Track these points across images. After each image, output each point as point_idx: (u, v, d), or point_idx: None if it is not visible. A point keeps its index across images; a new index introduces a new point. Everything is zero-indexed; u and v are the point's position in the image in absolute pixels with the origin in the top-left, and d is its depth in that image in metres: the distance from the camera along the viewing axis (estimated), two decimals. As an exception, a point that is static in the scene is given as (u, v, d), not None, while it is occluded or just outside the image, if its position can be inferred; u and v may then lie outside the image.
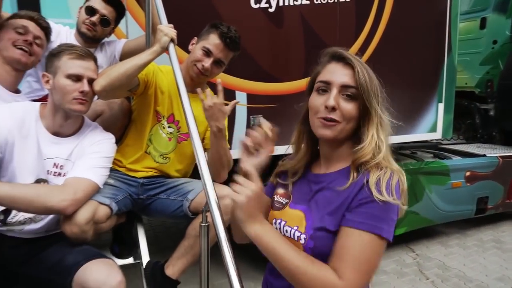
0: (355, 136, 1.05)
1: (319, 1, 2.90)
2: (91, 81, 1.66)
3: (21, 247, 1.64)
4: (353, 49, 3.07)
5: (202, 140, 2.05)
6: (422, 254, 3.75)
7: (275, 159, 1.28)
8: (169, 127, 2.01)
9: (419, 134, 3.60)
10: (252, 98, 2.80)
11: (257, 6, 2.72)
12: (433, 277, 3.32)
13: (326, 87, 1.04)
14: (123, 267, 1.66)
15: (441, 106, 3.64)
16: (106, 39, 2.29)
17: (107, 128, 1.87)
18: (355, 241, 0.93)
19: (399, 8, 3.24)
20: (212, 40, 1.91)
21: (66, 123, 1.67)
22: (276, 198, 1.18)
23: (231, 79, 2.69)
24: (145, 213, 2.10)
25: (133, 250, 2.05)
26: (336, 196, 1.01)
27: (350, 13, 3.06)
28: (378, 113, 1.02)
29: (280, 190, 1.19)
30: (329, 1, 2.93)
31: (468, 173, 4.00)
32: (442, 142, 4.52)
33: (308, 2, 2.86)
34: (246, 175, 1.01)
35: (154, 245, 3.52)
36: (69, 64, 1.61)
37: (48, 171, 1.64)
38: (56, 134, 1.67)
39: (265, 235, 0.95)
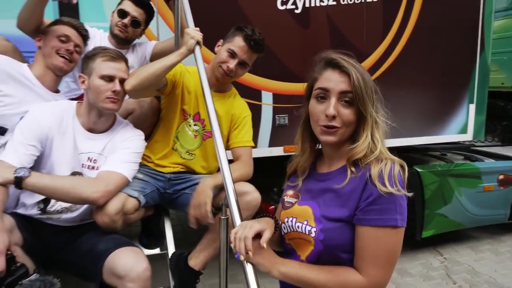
0: (354, 136, 1.11)
1: (345, 2, 2.91)
2: (122, 81, 1.78)
3: (60, 234, 1.78)
4: (380, 49, 3.06)
5: (227, 140, 2.13)
6: (451, 258, 3.65)
7: (284, 160, 1.35)
8: (195, 125, 2.10)
9: (449, 135, 3.51)
10: (278, 97, 2.86)
11: (283, 7, 2.77)
12: (461, 282, 3.23)
13: (325, 94, 1.10)
14: (150, 258, 1.76)
15: (472, 107, 3.53)
16: (137, 41, 2.41)
17: (137, 125, 1.98)
18: (371, 238, 1.01)
19: (428, 7, 3.18)
20: (237, 42, 1.99)
21: (99, 120, 1.80)
22: (286, 199, 1.27)
23: (258, 79, 2.76)
24: (172, 206, 2.21)
25: (160, 241, 2.16)
26: (341, 191, 1.08)
27: (377, 13, 3.04)
28: (373, 116, 1.08)
29: (290, 191, 1.27)
30: (356, 1, 2.93)
31: (501, 177, 3.86)
32: (475, 144, 4.37)
33: (334, 3, 2.88)
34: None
35: (182, 240, 3.65)
36: (102, 66, 1.73)
37: (82, 164, 1.78)
38: (91, 130, 1.80)
39: (289, 271, 1.08)
